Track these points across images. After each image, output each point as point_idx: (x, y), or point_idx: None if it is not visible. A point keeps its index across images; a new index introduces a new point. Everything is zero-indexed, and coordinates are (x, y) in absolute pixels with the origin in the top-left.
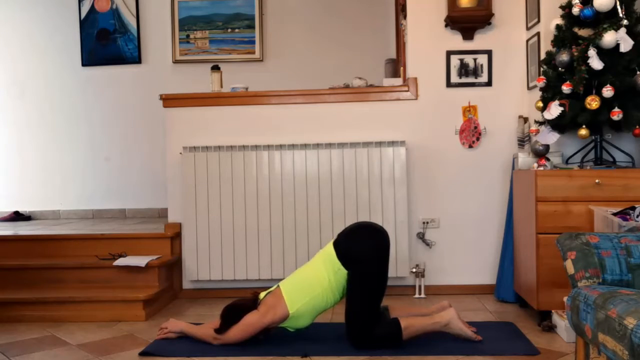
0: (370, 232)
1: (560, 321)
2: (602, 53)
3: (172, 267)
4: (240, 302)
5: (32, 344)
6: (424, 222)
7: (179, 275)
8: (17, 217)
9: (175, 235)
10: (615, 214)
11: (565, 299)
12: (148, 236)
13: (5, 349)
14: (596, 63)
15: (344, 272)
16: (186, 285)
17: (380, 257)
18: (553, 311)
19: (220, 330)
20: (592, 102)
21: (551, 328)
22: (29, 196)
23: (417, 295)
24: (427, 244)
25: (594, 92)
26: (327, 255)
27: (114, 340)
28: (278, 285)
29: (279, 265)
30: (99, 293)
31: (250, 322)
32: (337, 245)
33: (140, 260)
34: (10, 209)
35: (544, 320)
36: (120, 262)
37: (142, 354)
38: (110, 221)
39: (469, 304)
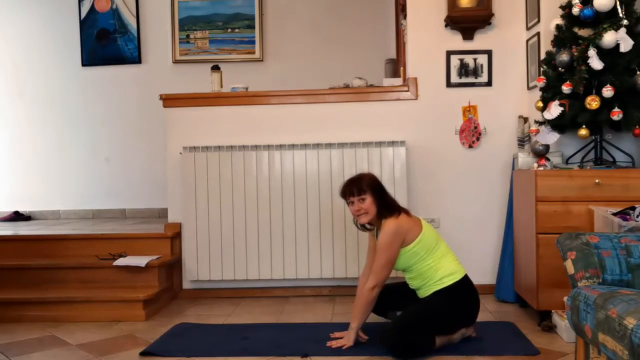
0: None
1: (560, 321)
2: (602, 53)
3: (172, 267)
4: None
5: (32, 344)
6: None
7: (179, 275)
8: (17, 217)
9: (175, 235)
10: (615, 214)
11: (565, 299)
12: (148, 236)
13: (5, 349)
14: (596, 63)
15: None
16: (186, 285)
17: (468, 318)
18: (553, 311)
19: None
20: (592, 102)
21: (551, 328)
22: (29, 196)
23: None
24: None
25: (594, 92)
26: (454, 269)
27: (114, 340)
28: (419, 218)
29: (279, 265)
30: (99, 293)
31: (387, 245)
32: (463, 279)
33: (140, 260)
34: (10, 209)
35: (544, 320)
36: (120, 262)
37: (142, 353)
38: (110, 221)
39: None
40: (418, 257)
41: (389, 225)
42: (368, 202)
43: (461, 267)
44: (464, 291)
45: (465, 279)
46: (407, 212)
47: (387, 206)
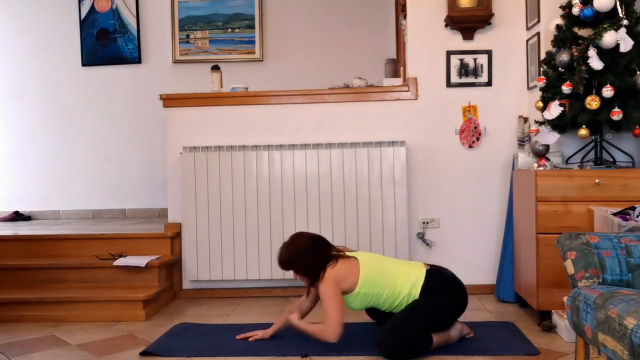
0: (460, 287)
1: (560, 321)
2: (602, 53)
3: (172, 267)
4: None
5: (32, 344)
6: (424, 222)
7: (179, 275)
8: (17, 217)
9: (175, 235)
10: (615, 214)
11: (565, 299)
12: (148, 236)
13: (5, 349)
14: (596, 63)
15: (414, 298)
16: (186, 285)
17: (458, 305)
18: (553, 311)
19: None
20: (592, 102)
21: (551, 328)
22: (29, 196)
23: None
24: (427, 244)
25: (594, 92)
26: (414, 277)
27: (114, 340)
28: (357, 258)
29: None
30: (99, 293)
31: (332, 293)
32: (428, 277)
33: (140, 260)
34: (10, 209)
35: (544, 320)
36: (120, 262)
37: (142, 353)
38: (110, 221)
39: (469, 304)
40: (371, 296)
41: (326, 278)
42: (300, 274)
43: (419, 269)
44: (437, 283)
45: (431, 272)
46: (342, 256)
47: (319, 267)
